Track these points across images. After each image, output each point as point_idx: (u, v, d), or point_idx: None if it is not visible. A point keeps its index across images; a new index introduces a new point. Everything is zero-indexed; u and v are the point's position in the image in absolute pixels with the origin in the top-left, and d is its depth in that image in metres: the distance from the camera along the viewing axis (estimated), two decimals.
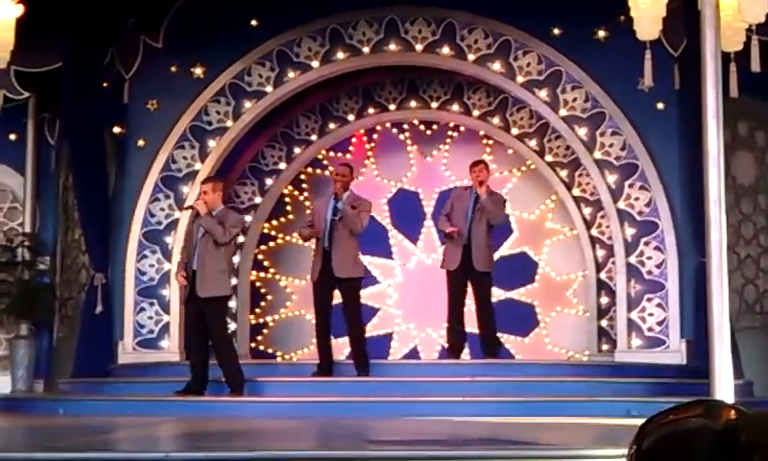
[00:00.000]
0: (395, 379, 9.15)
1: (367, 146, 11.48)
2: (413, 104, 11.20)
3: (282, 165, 11.32)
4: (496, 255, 10.29)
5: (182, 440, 7.16)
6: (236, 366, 8.74)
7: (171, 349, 10.26)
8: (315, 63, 10.53)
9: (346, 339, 9.45)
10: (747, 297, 10.12)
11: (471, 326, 9.81)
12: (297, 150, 11.31)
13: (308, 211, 10.46)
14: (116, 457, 5.51)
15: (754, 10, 6.75)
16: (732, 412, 1.13)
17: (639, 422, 1.22)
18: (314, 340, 9.45)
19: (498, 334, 10.26)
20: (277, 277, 11.41)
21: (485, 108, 11.01)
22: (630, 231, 9.94)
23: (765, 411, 1.18)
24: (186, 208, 8.85)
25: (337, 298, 9.25)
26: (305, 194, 11.45)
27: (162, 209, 10.52)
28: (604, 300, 10.39)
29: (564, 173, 10.72)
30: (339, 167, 9.64)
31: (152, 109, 10.64)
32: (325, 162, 11.39)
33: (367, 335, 9.62)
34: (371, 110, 11.27)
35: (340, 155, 11.39)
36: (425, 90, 11.17)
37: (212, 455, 5.33)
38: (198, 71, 10.58)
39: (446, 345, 9.94)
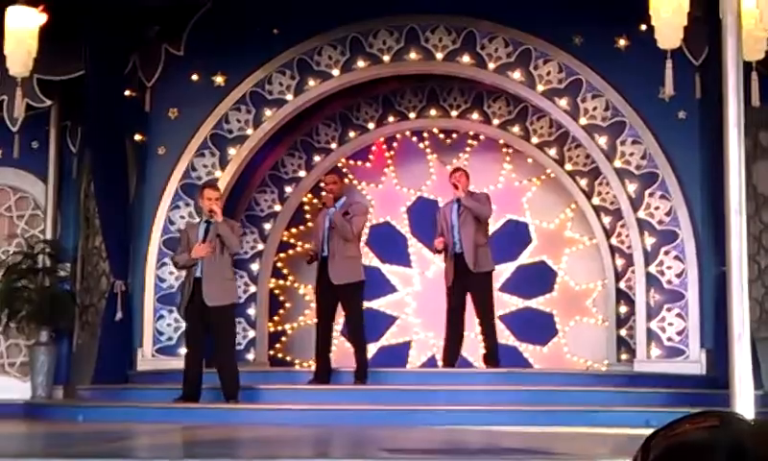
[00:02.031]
0: (412, 388, 9.13)
1: (386, 154, 11.49)
2: (433, 112, 11.21)
3: (302, 173, 11.34)
4: (515, 264, 10.26)
5: (201, 447, 7.17)
6: (237, 374, 8.69)
7: None
8: (335, 72, 10.55)
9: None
10: (767, 306, 10.05)
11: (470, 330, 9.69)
12: (317, 158, 11.34)
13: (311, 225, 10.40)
14: None
15: None
16: (743, 424, 1.11)
17: None
18: (333, 348, 9.43)
19: (516, 344, 10.21)
20: (296, 285, 11.43)
21: (505, 116, 11.00)
22: (650, 241, 9.91)
23: None
24: (210, 215, 8.66)
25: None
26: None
27: (182, 217, 10.57)
28: (623, 309, 10.35)
29: (583, 182, 10.69)
30: (327, 177, 9.59)
31: (173, 117, 10.69)
32: (345, 170, 11.41)
33: (386, 344, 9.60)
34: (390, 119, 11.29)
35: (360, 163, 11.41)
36: (445, 99, 11.18)
37: None
38: (219, 79, 10.63)
39: (440, 361, 9.78)
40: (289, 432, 7.42)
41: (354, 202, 9.44)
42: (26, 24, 8.00)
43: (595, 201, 10.64)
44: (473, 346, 9.89)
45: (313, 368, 9.30)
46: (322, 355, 9.09)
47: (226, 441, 7.11)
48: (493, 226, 10.25)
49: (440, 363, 9.92)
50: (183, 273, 9.02)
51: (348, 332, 9.20)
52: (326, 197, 9.17)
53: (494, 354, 9.40)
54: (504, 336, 10.48)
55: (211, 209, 8.59)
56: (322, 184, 9.60)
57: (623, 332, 10.35)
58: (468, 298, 9.40)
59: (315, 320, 9.40)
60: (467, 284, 9.34)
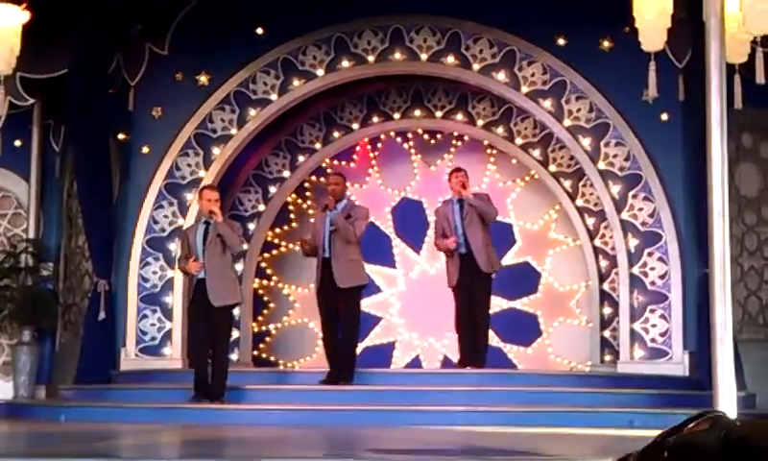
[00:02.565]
0: (396, 388, 9.13)
1: (371, 155, 11.49)
2: (417, 113, 11.21)
3: (286, 173, 11.33)
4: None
5: (184, 447, 7.15)
6: (227, 374, 8.71)
7: (173, 356, 10.27)
8: (320, 72, 10.55)
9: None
10: (750, 308, 10.10)
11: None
12: (301, 158, 11.33)
13: (312, 221, 10.39)
14: None
15: (758, 21, 6.75)
16: (738, 424, 1.12)
17: (641, 433, 1.21)
18: (317, 349, 9.44)
19: (500, 345, 10.21)
20: (280, 285, 11.41)
21: (489, 117, 11.02)
22: (633, 242, 9.94)
23: (763, 422, 1.17)
24: (210, 216, 8.68)
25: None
26: (309, 202, 11.46)
27: (166, 216, 10.54)
28: (607, 310, 10.38)
29: (567, 183, 10.72)
30: (331, 177, 9.60)
31: (156, 117, 10.66)
32: (329, 171, 11.40)
33: (370, 344, 9.60)
34: (375, 119, 11.29)
35: (344, 163, 11.40)
36: (430, 100, 11.19)
37: None
38: (203, 79, 10.60)
39: (458, 359, 9.79)
40: (273, 432, 7.41)
41: (356, 205, 9.41)
42: (9, 21, 7.95)
43: (579, 202, 10.67)
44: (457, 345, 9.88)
45: (297, 368, 9.30)
46: (333, 356, 9.10)
47: (210, 441, 7.10)
48: None
49: (447, 354, 9.97)
50: (168, 273, 9.02)
51: (344, 333, 9.15)
52: (329, 199, 9.16)
53: (484, 355, 9.44)
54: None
55: (211, 210, 8.65)
56: (326, 184, 9.53)
57: (607, 333, 10.38)
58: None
59: (316, 323, 9.37)
60: (472, 284, 9.37)
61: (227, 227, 8.65)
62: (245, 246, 11.12)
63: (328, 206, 9.10)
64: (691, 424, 1.15)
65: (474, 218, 9.45)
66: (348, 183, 9.84)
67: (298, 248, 9.47)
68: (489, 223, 9.51)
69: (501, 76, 10.31)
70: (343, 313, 9.09)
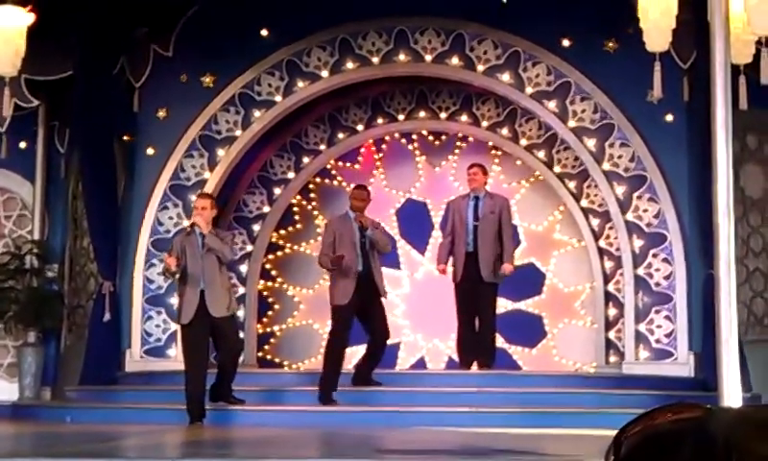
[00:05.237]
0: (402, 389, 9.13)
1: (375, 156, 11.49)
2: (422, 114, 11.21)
3: (291, 175, 11.33)
4: None
5: (188, 447, 7.16)
6: (234, 376, 8.67)
7: (178, 357, 10.25)
8: (324, 73, 10.55)
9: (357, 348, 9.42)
10: (755, 309, 10.09)
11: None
12: (305, 159, 11.33)
13: (324, 230, 9.98)
14: None
15: (763, 22, 6.74)
16: (708, 412, 1.12)
17: None
18: (321, 350, 9.42)
19: (505, 346, 10.20)
20: (285, 286, 11.41)
21: (493, 118, 11.01)
22: (638, 243, 9.93)
23: (740, 408, 1.18)
24: (190, 227, 8.49)
25: None
26: (314, 204, 11.46)
27: (171, 218, 10.55)
28: (612, 311, 10.36)
29: (572, 184, 10.71)
30: (357, 192, 9.29)
31: (161, 118, 10.67)
32: (334, 172, 11.41)
33: None
34: (380, 121, 11.28)
35: (348, 165, 11.40)
36: (434, 101, 11.18)
37: None
38: (207, 80, 10.61)
39: (458, 359, 9.81)
40: (277, 433, 7.41)
41: (372, 219, 9.29)
42: (14, 23, 7.97)
43: (584, 203, 10.66)
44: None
45: (301, 370, 9.27)
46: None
47: (215, 441, 7.11)
48: None
49: (453, 356, 9.99)
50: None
51: (383, 338, 9.08)
52: (366, 219, 8.93)
53: (493, 356, 9.47)
54: None
55: (193, 222, 8.48)
56: (352, 199, 9.22)
57: (611, 335, 10.37)
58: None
59: (322, 325, 9.28)
60: (477, 287, 9.39)
61: (215, 238, 8.43)
62: (249, 247, 11.13)
63: (363, 225, 8.87)
64: (657, 414, 1.14)
65: (490, 222, 9.42)
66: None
67: (305, 245, 9.36)
68: (380, 253, 9.10)
69: (506, 77, 10.30)
70: (383, 319, 9.07)
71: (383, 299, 9.02)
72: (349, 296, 8.75)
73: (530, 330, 10.87)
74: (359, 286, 8.78)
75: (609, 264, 10.44)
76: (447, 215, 9.80)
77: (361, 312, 8.87)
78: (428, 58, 10.45)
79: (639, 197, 9.97)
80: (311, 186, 11.48)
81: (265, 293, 11.36)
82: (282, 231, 11.45)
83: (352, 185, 11.06)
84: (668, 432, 1.09)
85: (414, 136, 11.40)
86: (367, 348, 9.10)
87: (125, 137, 10.64)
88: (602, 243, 10.52)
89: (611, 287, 10.42)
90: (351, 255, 8.80)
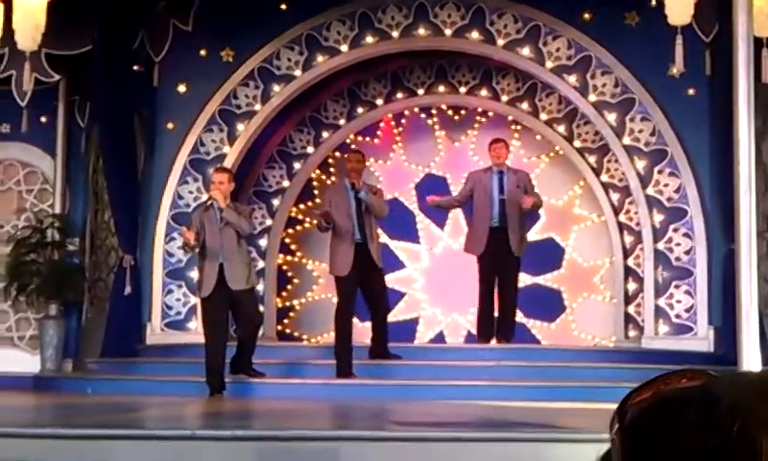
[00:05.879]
0: (420, 363, 9.16)
1: (395, 131, 11.48)
2: (441, 89, 11.18)
3: (310, 149, 11.33)
4: None
5: (208, 419, 7.22)
6: (254, 349, 8.72)
7: (198, 330, 10.30)
8: (344, 48, 10.53)
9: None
10: None
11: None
12: (325, 134, 11.33)
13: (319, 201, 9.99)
14: (143, 434, 5.56)
15: None
16: (712, 377, 1.12)
17: None
18: None
19: (524, 320, 10.20)
20: (304, 260, 11.45)
21: (513, 93, 10.97)
22: (658, 218, 9.90)
23: (744, 372, 1.18)
24: (208, 201, 8.51)
25: None
26: (333, 178, 11.47)
27: (191, 192, 10.59)
28: (631, 286, 10.34)
29: (592, 159, 10.67)
30: (352, 156, 9.35)
31: (181, 93, 10.69)
32: (354, 147, 11.41)
33: (393, 319, 9.62)
34: (399, 95, 11.26)
35: (368, 139, 11.40)
36: (454, 75, 11.15)
37: (238, 434, 5.37)
38: (227, 55, 10.61)
39: (476, 333, 9.83)
40: (297, 406, 7.45)
41: (370, 183, 9.31)
42: None
43: (604, 178, 10.62)
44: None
45: (321, 343, 9.29)
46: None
47: (236, 413, 7.15)
48: None
49: (472, 330, 10.02)
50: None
51: (383, 311, 9.08)
52: (360, 182, 8.91)
53: (513, 330, 9.49)
54: None
55: (210, 196, 8.54)
56: (346, 162, 9.33)
57: (631, 309, 10.35)
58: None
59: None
60: (502, 261, 9.38)
61: (232, 212, 8.45)
62: (268, 222, 11.16)
63: (355, 186, 8.82)
64: (660, 381, 1.15)
65: (515, 195, 9.42)
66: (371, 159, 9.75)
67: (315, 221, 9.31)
68: (378, 218, 9.00)
69: (526, 51, 10.26)
70: (384, 294, 9.09)
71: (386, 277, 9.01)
72: (350, 265, 8.71)
73: (549, 305, 10.87)
74: (357, 256, 8.75)
75: (629, 239, 10.41)
76: (468, 186, 9.77)
77: (361, 284, 8.83)
78: (448, 32, 10.41)
79: (660, 171, 9.93)
80: (330, 161, 11.49)
81: (284, 267, 11.40)
82: (302, 206, 11.47)
83: (371, 159, 11.09)
84: (673, 398, 1.10)
85: (433, 111, 11.38)
86: (371, 323, 9.12)
87: (144, 112, 10.67)
88: (622, 218, 10.49)
89: (630, 262, 10.39)
90: (348, 224, 8.76)
